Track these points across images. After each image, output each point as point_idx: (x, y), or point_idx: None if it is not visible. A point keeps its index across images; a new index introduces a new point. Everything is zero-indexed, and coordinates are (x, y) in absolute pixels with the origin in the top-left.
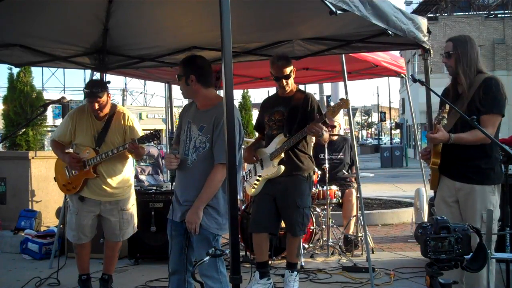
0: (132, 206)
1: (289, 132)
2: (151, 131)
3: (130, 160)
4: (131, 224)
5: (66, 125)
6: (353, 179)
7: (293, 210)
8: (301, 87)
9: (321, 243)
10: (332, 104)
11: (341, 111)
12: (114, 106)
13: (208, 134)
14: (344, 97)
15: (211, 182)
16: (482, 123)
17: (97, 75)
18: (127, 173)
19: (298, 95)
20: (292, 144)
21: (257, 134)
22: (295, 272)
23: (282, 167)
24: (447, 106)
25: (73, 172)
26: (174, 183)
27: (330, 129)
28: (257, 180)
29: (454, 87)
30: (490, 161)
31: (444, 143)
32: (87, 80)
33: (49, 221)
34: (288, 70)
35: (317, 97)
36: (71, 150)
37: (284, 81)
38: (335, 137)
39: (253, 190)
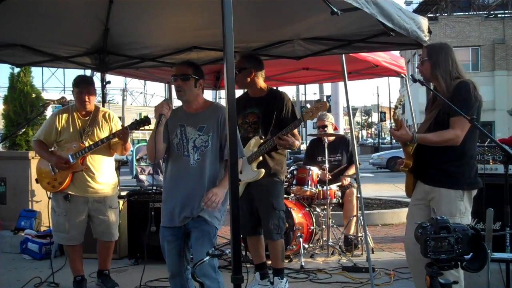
0: (118, 206)
1: (265, 134)
2: (142, 117)
3: (113, 159)
4: (118, 223)
5: (51, 124)
6: (346, 179)
7: (270, 212)
8: (301, 87)
9: (321, 243)
10: (308, 106)
11: (341, 111)
12: (96, 106)
13: (210, 133)
14: (324, 99)
15: None
16: (451, 124)
17: (97, 75)
18: (112, 171)
19: (271, 95)
20: (268, 149)
21: None
22: (285, 279)
23: (263, 171)
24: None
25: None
26: (167, 190)
27: (321, 129)
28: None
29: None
30: (461, 165)
31: (406, 142)
32: None
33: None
34: (238, 65)
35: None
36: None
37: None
38: (332, 138)
39: None
